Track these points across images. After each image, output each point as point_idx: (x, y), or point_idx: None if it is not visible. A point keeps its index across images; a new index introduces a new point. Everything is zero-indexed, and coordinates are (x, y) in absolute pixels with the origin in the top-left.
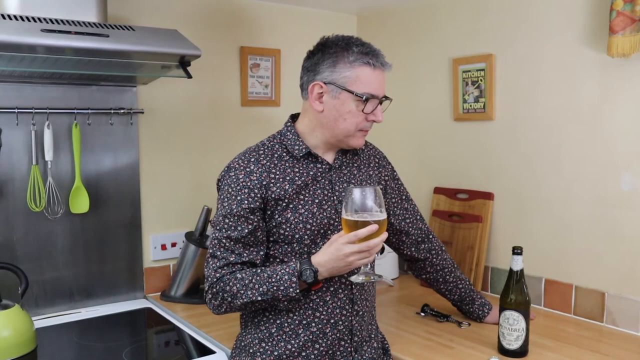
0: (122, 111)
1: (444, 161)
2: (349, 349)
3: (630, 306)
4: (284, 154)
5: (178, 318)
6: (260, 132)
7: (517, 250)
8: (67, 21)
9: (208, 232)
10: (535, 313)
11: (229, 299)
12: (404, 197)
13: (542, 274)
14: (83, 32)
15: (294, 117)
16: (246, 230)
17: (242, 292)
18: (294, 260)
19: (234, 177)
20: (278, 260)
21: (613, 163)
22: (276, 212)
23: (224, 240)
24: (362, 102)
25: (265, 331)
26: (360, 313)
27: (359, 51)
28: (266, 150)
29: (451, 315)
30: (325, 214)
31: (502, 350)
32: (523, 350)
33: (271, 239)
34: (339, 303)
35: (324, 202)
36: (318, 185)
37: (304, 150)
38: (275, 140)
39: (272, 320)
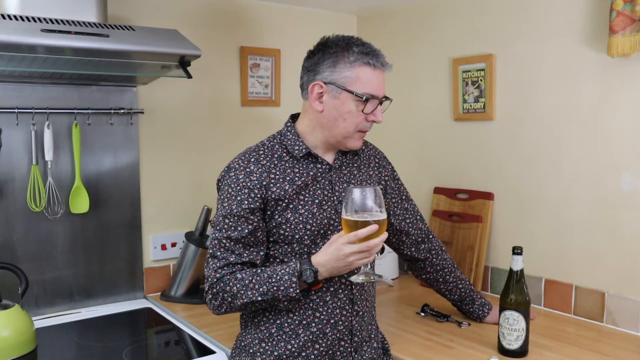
0: (122, 111)
1: (444, 161)
2: (349, 349)
3: (630, 306)
4: (284, 154)
5: (178, 318)
6: (260, 132)
7: (517, 250)
8: (67, 21)
9: (208, 232)
10: (535, 313)
11: (229, 299)
12: (404, 197)
13: (542, 274)
14: (83, 32)
15: (294, 117)
16: (246, 231)
17: (242, 292)
18: (294, 260)
19: (233, 177)
20: (278, 260)
21: (613, 163)
22: (276, 212)
23: (224, 241)
24: (362, 103)
25: (265, 331)
26: (360, 313)
27: (359, 51)
28: (266, 151)
29: (451, 315)
30: (325, 214)
31: (502, 350)
32: (523, 350)
33: (271, 239)
34: (339, 303)
35: (324, 202)
36: (318, 186)
37: (304, 150)
38: (275, 141)
39: (272, 321)
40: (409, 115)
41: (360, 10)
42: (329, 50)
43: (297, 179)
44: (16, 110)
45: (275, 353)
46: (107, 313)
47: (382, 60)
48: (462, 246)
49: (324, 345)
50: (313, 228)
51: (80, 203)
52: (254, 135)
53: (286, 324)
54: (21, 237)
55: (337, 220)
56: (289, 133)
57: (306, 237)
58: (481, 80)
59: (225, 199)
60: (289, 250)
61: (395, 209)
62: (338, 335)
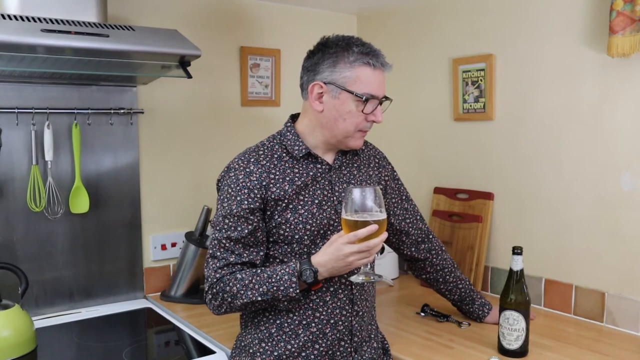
0: (122, 111)
1: (444, 161)
2: (349, 349)
3: (630, 306)
4: (284, 155)
5: (178, 318)
6: (260, 132)
7: (517, 250)
8: (67, 21)
9: (208, 232)
10: (535, 313)
11: (229, 299)
12: (404, 197)
13: (542, 274)
14: (83, 32)
15: (294, 118)
16: (246, 231)
17: (242, 292)
18: (293, 260)
19: (233, 177)
20: (278, 260)
21: (613, 163)
22: (276, 212)
23: (223, 241)
24: (361, 103)
25: (265, 331)
26: (360, 313)
27: (359, 51)
28: (266, 151)
29: (451, 315)
30: (325, 214)
31: (502, 350)
32: (523, 350)
33: (271, 239)
34: (338, 303)
35: (323, 202)
36: (318, 186)
37: (303, 150)
38: (275, 141)
39: (272, 321)
40: (409, 115)
41: (360, 10)
42: (329, 50)
43: (296, 179)
44: (16, 110)
45: (275, 353)
46: (107, 313)
47: (382, 60)
48: (462, 246)
49: (323, 345)
50: (313, 228)
51: (80, 203)
52: (254, 135)
53: (286, 324)
54: (21, 237)
55: (337, 220)
56: (288, 133)
57: (306, 237)
58: (481, 80)
59: (225, 199)
60: (289, 250)
61: (395, 209)
62: (338, 335)
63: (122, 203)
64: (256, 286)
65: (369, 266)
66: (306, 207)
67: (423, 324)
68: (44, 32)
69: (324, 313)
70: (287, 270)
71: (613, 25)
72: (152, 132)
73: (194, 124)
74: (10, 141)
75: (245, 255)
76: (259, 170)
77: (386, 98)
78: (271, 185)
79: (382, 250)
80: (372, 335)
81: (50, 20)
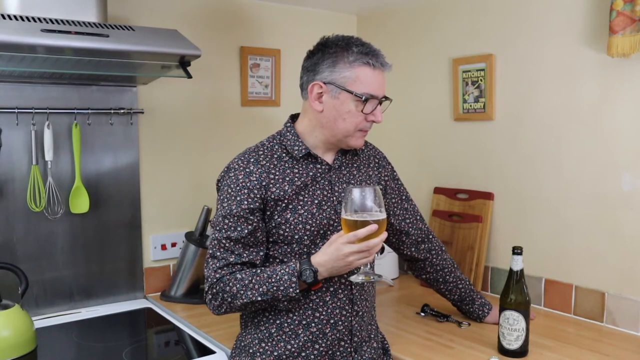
0: (122, 111)
1: (444, 161)
2: (349, 349)
3: (630, 306)
4: (284, 155)
5: (178, 318)
6: (260, 132)
7: (517, 250)
8: (67, 21)
9: (208, 232)
10: (535, 313)
11: (229, 299)
12: (403, 197)
13: (542, 274)
14: (83, 32)
15: (294, 118)
16: (246, 231)
17: (242, 292)
18: (293, 260)
19: (233, 177)
20: (278, 260)
21: (613, 163)
22: (275, 212)
23: (223, 241)
24: (361, 103)
25: (265, 331)
26: (360, 313)
27: (359, 51)
28: (265, 151)
29: (451, 315)
30: (324, 214)
31: (502, 350)
32: (523, 350)
33: (271, 239)
34: (338, 303)
35: (323, 202)
36: (317, 186)
37: (303, 150)
38: (274, 141)
39: (271, 321)
40: (409, 115)
41: (360, 10)
42: (329, 50)
43: (296, 179)
44: (16, 110)
45: (275, 353)
46: (107, 313)
47: (382, 60)
48: (462, 246)
49: (323, 345)
50: (312, 228)
51: (80, 203)
52: (254, 135)
53: (286, 324)
54: (21, 237)
55: (336, 220)
56: (288, 133)
57: (306, 237)
58: (481, 80)
59: (225, 200)
60: (289, 250)
61: (395, 209)
62: (338, 335)
63: (122, 203)
64: (256, 286)
65: (368, 266)
66: (306, 207)
67: (423, 324)
68: (44, 32)
69: (324, 313)
70: (287, 270)
71: (613, 25)
72: (152, 132)
73: (194, 124)
74: (10, 141)
75: (245, 255)
76: (259, 171)
77: (386, 98)
78: (271, 185)
79: (382, 250)
80: (372, 335)
81: (50, 20)
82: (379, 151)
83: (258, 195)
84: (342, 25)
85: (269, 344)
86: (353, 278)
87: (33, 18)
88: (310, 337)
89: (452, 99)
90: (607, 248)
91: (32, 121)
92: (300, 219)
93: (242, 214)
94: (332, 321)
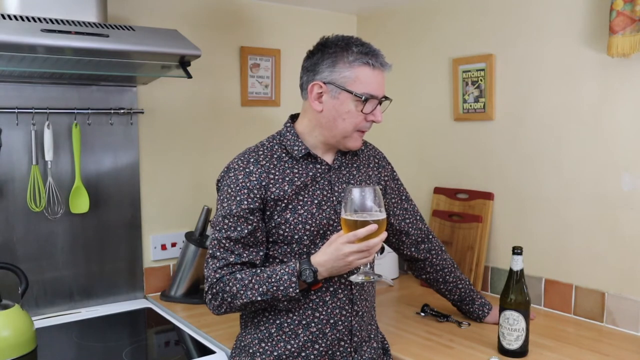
0: (122, 111)
1: (444, 161)
2: (349, 349)
3: (630, 306)
4: (284, 155)
5: (178, 318)
6: (260, 132)
7: (517, 250)
8: (67, 21)
9: (208, 232)
10: (535, 313)
11: (229, 299)
12: (403, 198)
13: (542, 274)
14: (83, 32)
15: (294, 118)
16: (246, 231)
17: (242, 292)
18: (293, 260)
19: (233, 177)
20: (278, 260)
21: (613, 163)
22: (275, 212)
23: (223, 241)
24: (361, 103)
25: (264, 331)
26: (360, 313)
27: (359, 51)
28: (265, 151)
29: (451, 315)
30: (324, 214)
31: (502, 350)
32: (523, 350)
33: (270, 239)
34: (338, 303)
35: (323, 202)
36: (317, 186)
37: (303, 150)
38: (274, 141)
39: (271, 321)
40: (409, 115)
41: (360, 10)
42: (328, 50)
43: (296, 179)
44: (16, 110)
45: (275, 353)
46: (107, 313)
47: (382, 60)
48: (462, 246)
49: (323, 345)
50: (312, 228)
51: (80, 203)
52: (254, 135)
53: (286, 324)
54: (21, 237)
55: (336, 220)
56: (288, 133)
57: (305, 237)
58: (481, 80)
59: (225, 200)
60: (289, 250)
61: (395, 209)
62: (338, 335)
63: (122, 203)
64: (256, 286)
65: (368, 266)
66: (306, 207)
67: (423, 324)
68: (44, 32)
69: (324, 313)
70: (286, 270)
71: (613, 25)
72: (152, 132)
73: (194, 124)
74: (10, 141)
75: (245, 255)
76: (259, 171)
77: (386, 98)
78: (271, 185)
79: (382, 250)
80: (372, 335)
81: (50, 20)
82: (379, 151)
83: (258, 195)
84: (342, 25)
85: (269, 344)
86: (353, 278)
87: (33, 18)
88: (310, 337)
89: (452, 99)
90: (607, 248)
91: (32, 121)
92: (300, 219)
93: (242, 214)
94: (332, 321)
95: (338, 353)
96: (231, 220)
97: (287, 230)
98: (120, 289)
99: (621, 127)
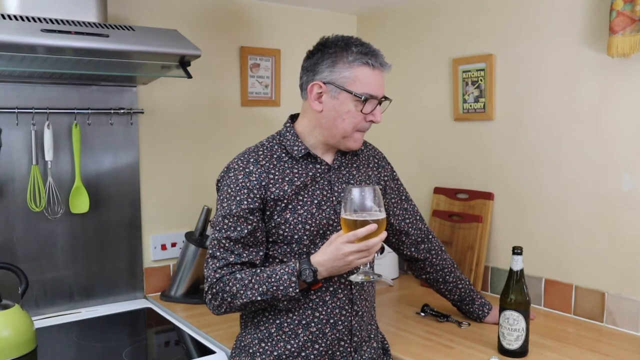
0: (122, 111)
1: (444, 161)
2: (349, 349)
3: (630, 306)
4: (283, 155)
5: (178, 318)
6: (260, 132)
7: (517, 250)
8: (67, 21)
9: (208, 232)
10: (535, 313)
11: (229, 299)
12: (403, 198)
13: (542, 274)
14: (83, 32)
15: (294, 118)
16: (245, 231)
17: (242, 292)
18: (293, 260)
19: (233, 177)
20: (277, 260)
21: (613, 163)
22: (275, 212)
23: (223, 241)
24: (360, 103)
25: (264, 331)
26: (360, 313)
27: (358, 51)
28: (265, 151)
29: (451, 315)
30: (324, 214)
31: (502, 350)
32: (523, 350)
33: (270, 239)
34: (338, 303)
35: (323, 202)
36: (317, 186)
37: (303, 150)
38: (274, 141)
39: (271, 321)
40: (409, 115)
41: (360, 10)
42: (328, 51)
43: (296, 179)
44: (16, 110)
45: (275, 353)
46: (107, 313)
47: (381, 60)
48: (462, 246)
49: (323, 345)
50: (312, 228)
51: (80, 203)
52: (254, 135)
53: (285, 324)
54: (21, 237)
55: (336, 220)
56: (288, 133)
57: (305, 237)
58: (481, 80)
59: (225, 200)
60: (288, 250)
61: (395, 209)
62: (337, 335)
63: (122, 203)
64: (256, 286)
65: (368, 265)
66: (305, 207)
67: (423, 324)
68: (44, 32)
69: (324, 313)
70: (286, 269)
71: (613, 25)
72: (152, 132)
73: (194, 124)
74: (10, 141)
75: (244, 255)
76: (259, 171)
77: (385, 98)
78: (270, 185)
79: (382, 250)
80: (372, 335)
81: (50, 20)
82: (379, 151)
83: (258, 195)
84: (342, 25)
85: (269, 344)
86: (353, 278)
87: (33, 18)
88: (310, 336)
89: (452, 99)
90: (607, 248)
91: (32, 121)
92: (299, 219)
93: (241, 214)
94: (331, 321)
95: (338, 353)
96: (231, 220)
97: (286, 230)
98: (120, 289)
99: (621, 127)
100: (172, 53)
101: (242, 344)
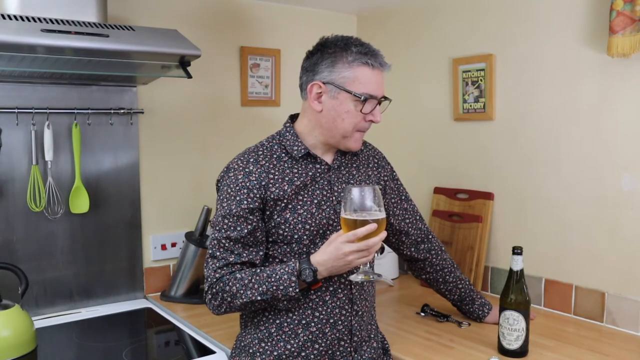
0: (122, 111)
1: (444, 161)
2: (349, 349)
3: (630, 306)
4: (283, 155)
5: (178, 318)
6: (260, 132)
7: (517, 250)
8: (67, 21)
9: (208, 232)
10: (535, 313)
11: (229, 299)
12: (403, 198)
13: (542, 274)
14: (83, 32)
15: (293, 118)
16: (245, 231)
17: (242, 292)
18: (293, 260)
19: (233, 177)
20: (277, 260)
21: (613, 163)
22: (275, 212)
23: (223, 241)
24: (360, 102)
25: (264, 331)
26: (360, 313)
27: (358, 51)
28: (265, 151)
29: (451, 315)
30: (324, 214)
31: (502, 350)
32: (523, 350)
33: (270, 239)
34: (338, 303)
35: (322, 202)
36: (317, 186)
37: (302, 150)
38: (274, 141)
39: (271, 320)
40: (409, 115)
41: (360, 10)
42: (328, 51)
43: (296, 179)
44: (16, 110)
45: (275, 353)
46: (107, 313)
47: (381, 60)
48: (462, 246)
49: (323, 345)
50: (312, 228)
51: (80, 203)
52: (254, 135)
53: (285, 324)
54: (21, 237)
55: (336, 220)
56: (287, 133)
57: (305, 237)
58: (481, 80)
59: (225, 200)
60: (288, 250)
61: (395, 209)
62: (337, 335)
63: (122, 203)
64: (255, 285)
65: (368, 265)
66: (305, 207)
67: (423, 324)
68: (44, 32)
69: (324, 312)
70: (286, 269)
71: (613, 25)
72: (152, 132)
73: (194, 124)
74: (10, 141)
75: (244, 255)
76: (258, 170)
77: (385, 98)
78: (270, 185)
79: (382, 250)
80: (372, 335)
81: (50, 20)
82: (378, 151)
83: (257, 195)
84: (342, 25)
85: (269, 344)
86: (353, 277)
87: (33, 18)
88: (310, 336)
89: (452, 99)
90: (607, 248)
91: (32, 121)
92: (299, 218)
93: (241, 213)
94: (331, 321)
95: (338, 353)
96: (231, 220)
97: (286, 230)
98: (120, 289)
99: (621, 127)
100: (172, 53)
101: (242, 344)
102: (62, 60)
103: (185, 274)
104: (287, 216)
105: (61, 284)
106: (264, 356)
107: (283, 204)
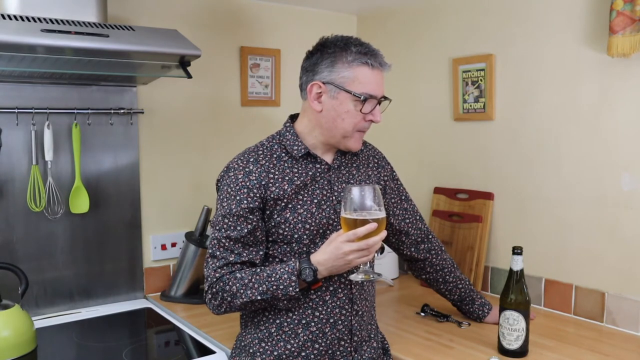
0: (122, 111)
1: (444, 161)
2: (349, 349)
3: (630, 306)
4: (283, 154)
5: (178, 318)
6: (260, 132)
7: (517, 250)
8: (67, 21)
9: (208, 232)
10: (535, 313)
11: (229, 298)
12: (403, 198)
13: (542, 274)
14: (83, 32)
15: (293, 118)
16: (245, 230)
17: (242, 291)
18: (293, 259)
19: (233, 177)
20: (277, 260)
21: (613, 163)
22: (275, 212)
23: (223, 240)
24: (360, 102)
25: (264, 331)
26: (360, 313)
27: (358, 51)
28: (265, 151)
29: (451, 315)
30: (324, 214)
31: (502, 350)
32: (523, 350)
33: (270, 239)
34: (338, 302)
35: (322, 202)
36: (317, 186)
37: (302, 150)
38: (274, 141)
39: (271, 320)
40: (409, 115)
41: (360, 10)
42: (328, 51)
43: (296, 178)
44: (16, 110)
45: (275, 353)
46: (107, 313)
47: (381, 60)
48: (462, 246)
49: (323, 344)
50: (312, 228)
51: (80, 203)
52: (254, 135)
53: (285, 324)
54: (21, 237)
55: (336, 220)
56: (287, 133)
57: (305, 236)
58: (481, 80)
59: (225, 199)
60: (288, 249)
61: (395, 209)
62: (338, 334)
63: (122, 203)
64: (256, 285)
65: (368, 265)
66: (305, 207)
67: (423, 324)
68: (44, 32)
69: (324, 312)
70: (286, 269)
71: (613, 25)
72: (152, 132)
73: (194, 124)
74: (10, 141)
75: (244, 254)
76: (258, 170)
77: (385, 98)
78: (270, 184)
79: (382, 250)
80: (372, 335)
81: (50, 20)
82: (378, 151)
83: (257, 195)
84: (342, 25)
85: (269, 344)
86: (353, 277)
87: (33, 18)
88: (310, 336)
89: (452, 99)
90: (607, 248)
91: (32, 121)
92: (299, 218)
93: (241, 213)
94: (331, 320)
95: (338, 353)
96: (231, 219)
97: (286, 229)
98: (120, 289)
99: (621, 127)
100: (172, 53)
101: (242, 344)
102: (62, 60)
103: (185, 274)
104: (287, 216)
105: (61, 284)
106: (264, 356)
107: (283, 204)
